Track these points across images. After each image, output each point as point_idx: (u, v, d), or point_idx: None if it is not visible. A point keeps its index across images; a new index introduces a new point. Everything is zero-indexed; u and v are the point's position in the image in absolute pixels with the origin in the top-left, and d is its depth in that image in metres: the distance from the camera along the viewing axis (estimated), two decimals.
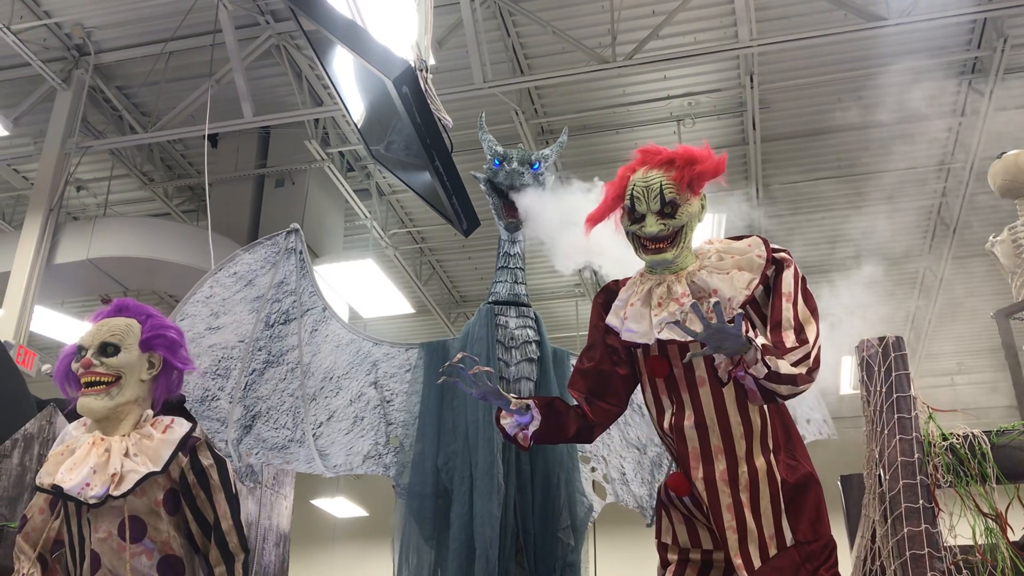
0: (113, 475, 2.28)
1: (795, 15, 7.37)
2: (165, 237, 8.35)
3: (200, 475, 2.36)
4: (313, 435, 3.38)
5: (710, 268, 2.32)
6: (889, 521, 2.40)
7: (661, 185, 2.32)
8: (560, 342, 4.21)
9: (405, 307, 10.12)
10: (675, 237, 2.33)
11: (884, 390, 2.52)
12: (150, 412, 2.46)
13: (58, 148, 8.09)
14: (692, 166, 2.33)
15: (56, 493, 2.30)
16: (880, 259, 9.34)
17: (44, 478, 2.33)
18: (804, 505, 2.19)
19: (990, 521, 2.41)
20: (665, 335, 2.27)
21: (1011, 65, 7.59)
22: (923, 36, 7.26)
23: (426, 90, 3.26)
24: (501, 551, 3.07)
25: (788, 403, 2.29)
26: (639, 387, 2.47)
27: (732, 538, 2.17)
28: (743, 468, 2.21)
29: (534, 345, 3.31)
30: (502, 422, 2.41)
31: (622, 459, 3.69)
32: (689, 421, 2.26)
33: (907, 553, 2.33)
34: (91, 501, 2.26)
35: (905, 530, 2.35)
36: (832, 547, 2.20)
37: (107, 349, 2.41)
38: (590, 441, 2.58)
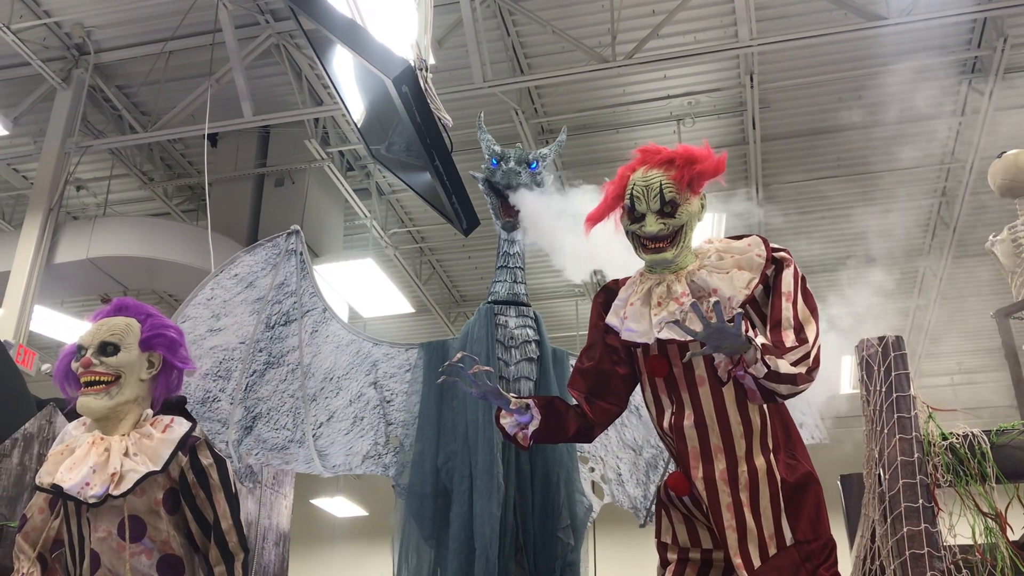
0: (113, 474, 2.28)
1: (795, 14, 7.37)
2: (165, 237, 8.35)
3: (200, 474, 2.36)
4: (313, 435, 3.39)
5: (710, 267, 2.32)
6: (889, 520, 2.40)
7: (661, 184, 2.32)
8: (560, 341, 4.21)
9: (405, 307, 10.12)
10: (675, 236, 2.33)
11: (884, 389, 2.52)
12: (150, 412, 2.46)
13: (58, 147, 8.09)
14: (692, 165, 2.33)
15: (56, 492, 2.30)
16: (880, 258, 9.34)
17: (44, 477, 2.33)
18: (804, 504, 2.19)
19: (990, 520, 2.41)
20: (665, 334, 2.27)
21: (1011, 65, 7.59)
22: (923, 36, 7.26)
23: (426, 89, 3.27)
24: (501, 550, 3.07)
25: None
26: (638, 387, 2.47)
27: (732, 537, 2.17)
28: (743, 467, 2.21)
29: (534, 344, 3.31)
30: (502, 421, 2.41)
31: (618, 460, 3.70)
32: (689, 420, 2.26)
33: (907, 552, 2.33)
34: (91, 500, 2.26)
35: (905, 529, 2.35)
36: (832, 546, 2.20)
37: (107, 348, 2.41)
38: (590, 440, 2.58)
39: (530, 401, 2.39)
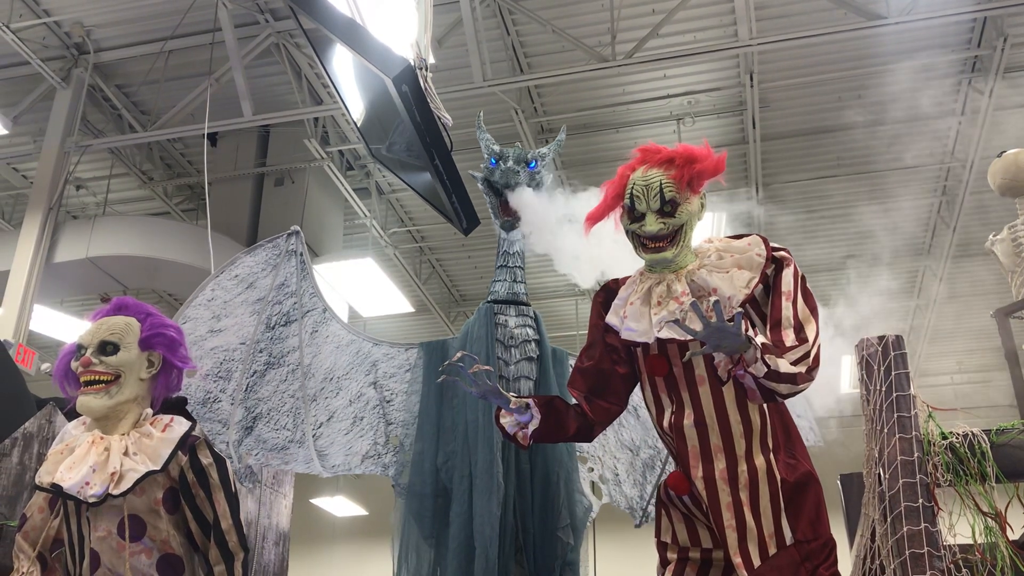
0: (112, 474, 2.28)
1: (795, 14, 7.36)
2: (165, 236, 8.35)
3: (199, 474, 2.36)
4: (313, 436, 3.39)
5: (710, 267, 2.32)
6: (889, 520, 2.40)
7: (661, 184, 2.32)
8: (560, 341, 4.21)
9: (405, 306, 10.12)
10: (675, 236, 2.33)
11: (884, 389, 2.51)
12: (149, 411, 2.45)
13: (57, 147, 8.09)
14: (692, 165, 2.33)
15: (55, 492, 2.30)
16: (880, 258, 9.34)
17: (43, 477, 2.33)
18: (804, 504, 2.19)
19: (989, 520, 2.41)
20: (665, 334, 2.27)
21: (1011, 64, 7.58)
22: (923, 35, 7.26)
23: (426, 89, 3.26)
24: (500, 550, 3.07)
25: None
26: (637, 387, 2.47)
27: (732, 537, 2.17)
28: (743, 467, 2.21)
29: (533, 344, 3.31)
30: (501, 421, 2.41)
31: (616, 460, 3.71)
32: (689, 420, 2.26)
33: (906, 552, 2.33)
34: (90, 500, 2.26)
35: (904, 529, 2.35)
36: (832, 546, 2.20)
37: (106, 348, 2.41)
38: (590, 440, 2.57)
39: (530, 400, 2.39)
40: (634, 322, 2.33)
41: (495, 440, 3.12)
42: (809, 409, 3.69)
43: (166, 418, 2.43)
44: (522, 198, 3.30)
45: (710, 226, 6.23)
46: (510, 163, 3.33)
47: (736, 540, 2.16)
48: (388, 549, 3.39)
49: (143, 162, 9.47)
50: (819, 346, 2.21)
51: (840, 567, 2.22)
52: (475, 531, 3.07)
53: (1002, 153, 4.88)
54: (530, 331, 3.32)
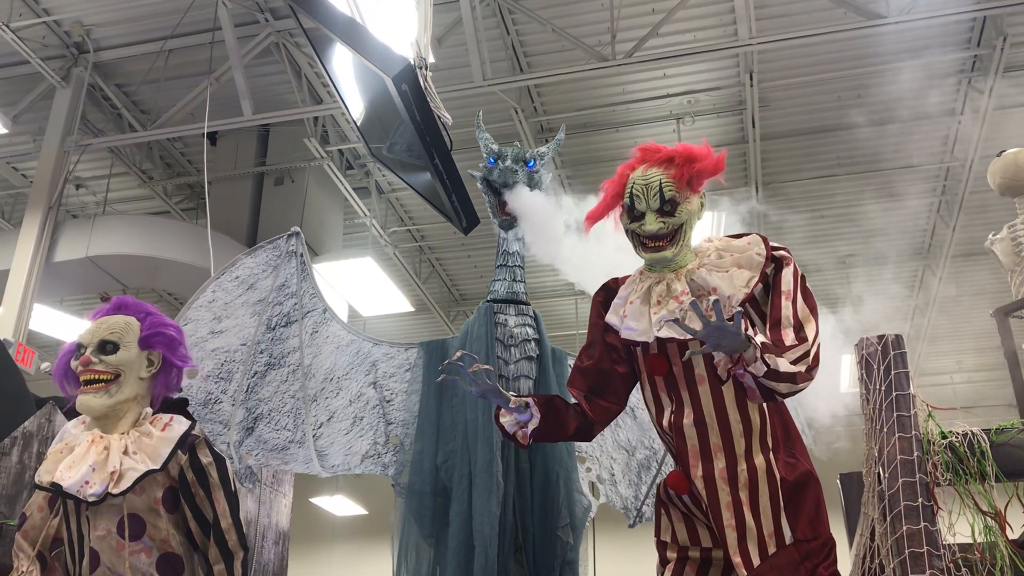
0: (112, 473, 2.28)
1: (795, 13, 7.36)
2: (164, 235, 8.35)
3: (199, 473, 2.36)
4: (313, 436, 3.40)
5: (709, 266, 2.32)
6: (888, 519, 2.40)
7: (660, 183, 2.32)
8: (559, 340, 4.21)
9: (404, 305, 10.11)
10: (674, 235, 2.34)
11: (883, 388, 2.51)
12: (149, 410, 2.45)
13: (57, 146, 8.09)
14: (691, 164, 2.33)
15: (55, 491, 2.30)
16: (879, 257, 9.35)
17: (43, 476, 2.33)
18: (803, 503, 2.19)
19: (989, 519, 2.41)
20: (664, 333, 2.27)
21: (1011, 63, 7.58)
22: (923, 34, 7.26)
23: (426, 88, 3.26)
24: (500, 549, 3.07)
25: None
26: (636, 388, 2.47)
27: (731, 536, 2.17)
28: (742, 466, 2.21)
29: (533, 343, 3.31)
30: (501, 420, 2.41)
31: (612, 460, 3.71)
32: (688, 419, 2.26)
33: (906, 551, 2.33)
34: (90, 499, 2.26)
35: (904, 528, 2.35)
36: (831, 545, 2.20)
37: (106, 347, 2.41)
38: (589, 439, 2.57)
39: (530, 400, 2.39)
40: (634, 321, 2.33)
41: (495, 439, 3.12)
42: (800, 411, 3.70)
43: (166, 417, 2.43)
44: (520, 197, 3.30)
45: (710, 225, 6.24)
46: (508, 162, 3.33)
47: (736, 539, 2.16)
48: (388, 548, 3.39)
49: (143, 161, 9.47)
50: (819, 345, 2.21)
51: (840, 566, 2.22)
52: (474, 530, 3.07)
53: (1002, 152, 4.87)
54: (530, 330, 3.32)
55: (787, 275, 2.29)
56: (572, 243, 3.08)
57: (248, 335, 3.32)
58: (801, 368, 2.13)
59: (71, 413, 2.48)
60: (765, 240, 2.34)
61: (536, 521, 3.21)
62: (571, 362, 3.36)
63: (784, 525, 2.16)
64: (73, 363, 2.42)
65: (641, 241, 2.36)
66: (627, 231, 2.40)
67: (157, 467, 2.31)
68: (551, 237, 3.16)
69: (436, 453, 3.29)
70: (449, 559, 3.12)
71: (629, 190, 2.35)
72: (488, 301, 3.37)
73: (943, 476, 2.42)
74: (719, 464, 2.23)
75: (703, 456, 2.24)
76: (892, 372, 2.52)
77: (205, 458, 2.38)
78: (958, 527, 2.42)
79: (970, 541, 2.41)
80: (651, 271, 2.39)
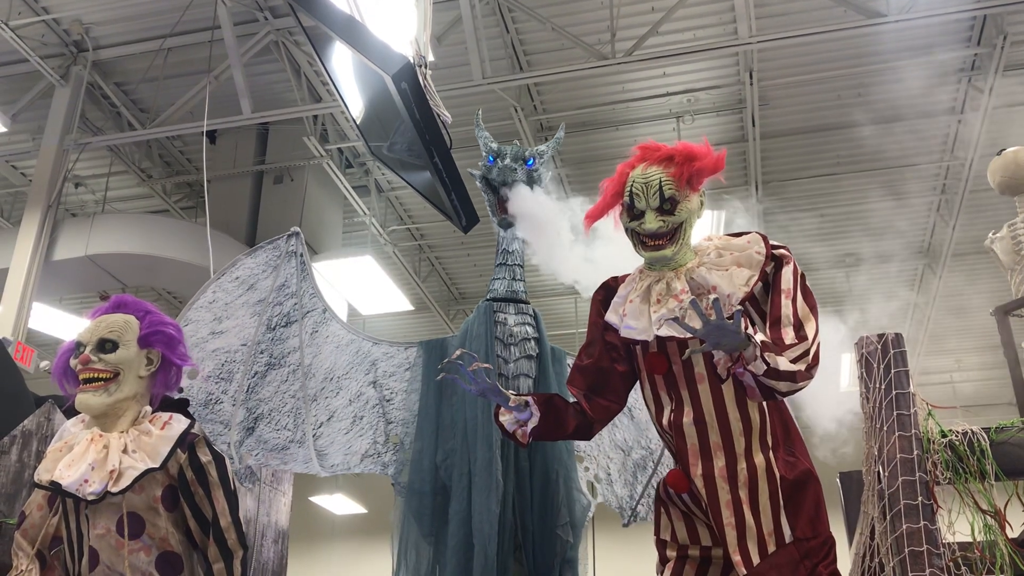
0: (111, 471, 2.27)
1: (795, 11, 7.36)
2: (164, 234, 8.34)
3: (198, 471, 2.36)
4: (313, 435, 3.40)
5: (709, 265, 2.32)
6: (888, 518, 2.40)
7: (660, 181, 2.32)
8: (559, 339, 4.21)
9: (404, 304, 10.11)
10: (674, 234, 2.33)
11: (883, 387, 2.51)
12: (148, 408, 2.45)
13: (56, 144, 8.08)
14: (691, 162, 2.33)
15: (54, 490, 2.30)
16: (879, 256, 9.35)
17: (42, 474, 2.33)
18: (803, 502, 2.19)
19: (989, 518, 2.41)
20: (664, 332, 2.26)
21: (1011, 62, 7.58)
22: (923, 33, 7.25)
23: (425, 86, 3.26)
24: (499, 548, 3.07)
25: None
26: (634, 388, 2.47)
27: (731, 535, 2.17)
28: (742, 465, 2.21)
29: (533, 342, 3.31)
30: (501, 419, 2.41)
31: (609, 460, 3.72)
32: (688, 418, 2.26)
33: (906, 550, 2.32)
34: (89, 497, 2.26)
35: (904, 527, 2.35)
36: (831, 544, 2.20)
37: (105, 345, 2.41)
38: (589, 438, 2.57)
39: (529, 398, 2.39)
40: (633, 320, 2.33)
41: (494, 438, 3.12)
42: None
43: (165, 416, 2.43)
44: (519, 196, 3.29)
45: (709, 224, 6.24)
46: (507, 161, 3.32)
47: (735, 538, 2.16)
48: (387, 547, 3.39)
49: (142, 160, 9.46)
50: (818, 344, 2.21)
51: (839, 565, 2.22)
52: (474, 529, 3.07)
53: (1002, 151, 4.87)
54: (529, 329, 3.32)
55: (787, 274, 2.29)
56: (572, 242, 3.08)
57: (248, 335, 3.33)
58: (801, 367, 2.13)
59: (70, 411, 2.48)
60: (765, 239, 2.34)
61: (536, 520, 3.21)
62: (570, 361, 3.36)
63: (784, 524, 2.16)
64: (72, 361, 2.41)
65: (641, 240, 2.36)
66: (627, 229, 2.39)
67: (156, 466, 2.31)
68: (550, 235, 3.16)
69: (436, 452, 3.28)
70: (448, 557, 3.12)
71: (629, 188, 2.35)
72: (488, 300, 3.36)
73: (943, 475, 2.42)
74: (719, 463, 2.22)
75: (703, 455, 2.24)
76: (892, 371, 2.52)
77: (204, 457, 2.38)
78: (958, 526, 2.42)
79: (970, 540, 2.41)
80: (651, 270, 2.39)
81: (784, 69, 7.94)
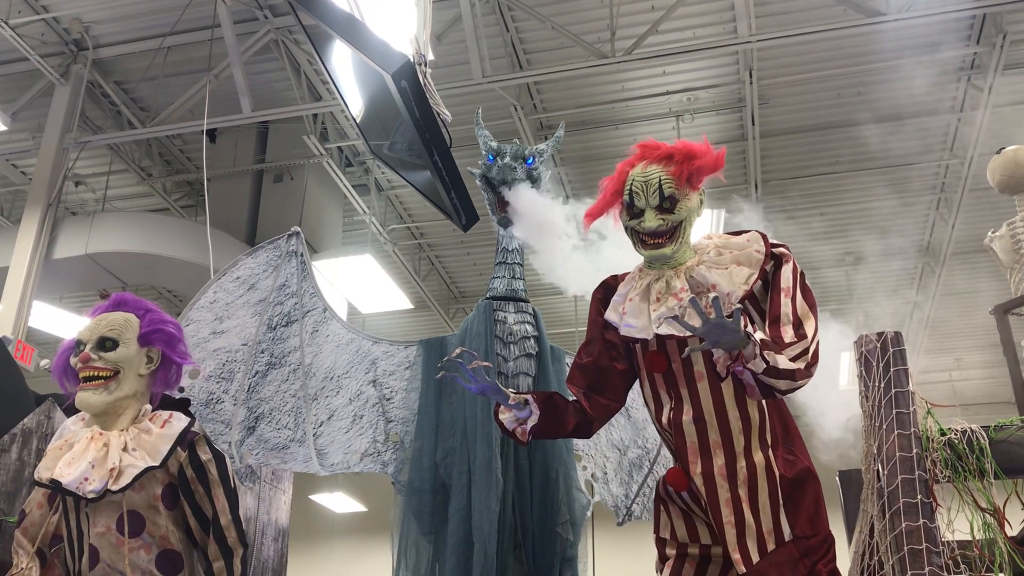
0: (112, 470, 2.28)
1: (794, 10, 7.36)
2: (164, 232, 8.34)
3: (199, 470, 2.36)
4: (313, 434, 3.40)
5: (709, 263, 2.32)
6: (887, 516, 2.41)
7: (660, 180, 2.32)
8: (558, 338, 4.22)
9: (404, 303, 10.11)
10: (674, 232, 2.33)
11: (882, 385, 2.51)
12: (148, 407, 2.45)
13: (56, 143, 8.08)
14: (691, 161, 2.33)
15: (54, 488, 2.30)
16: (878, 255, 9.35)
17: (42, 473, 2.33)
18: (802, 500, 2.19)
19: (988, 516, 2.41)
20: (664, 330, 2.27)
21: (1010, 61, 7.58)
22: (922, 32, 7.25)
23: (425, 85, 3.26)
24: (499, 546, 3.07)
25: None
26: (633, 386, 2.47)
27: (730, 533, 2.17)
28: (741, 463, 2.21)
29: (532, 341, 3.31)
30: (500, 417, 2.41)
31: (605, 459, 3.73)
32: (687, 416, 2.26)
33: (905, 548, 2.33)
34: (89, 496, 2.26)
35: (903, 525, 2.35)
36: (830, 542, 2.20)
37: (105, 344, 2.41)
38: (588, 436, 2.57)
39: (529, 396, 2.39)
40: (633, 318, 2.33)
41: (494, 436, 3.12)
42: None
43: (165, 414, 2.43)
44: (517, 195, 3.29)
45: (709, 223, 6.24)
46: (507, 159, 3.32)
47: (735, 536, 2.16)
48: (387, 545, 3.39)
49: (142, 158, 9.46)
50: (818, 342, 2.21)
51: (839, 563, 2.22)
52: (474, 527, 3.07)
53: (1001, 150, 4.87)
54: (529, 327, 3.32)
55: (786, 272, 2.29)
56: (572, 242, 3.08)
57: (249, 335, 3.34)
58: (800, 365, 2.13)
59: (70, 410, 2.48)
60: (765, 237, 2.34)
61: (535, 518, 3.21)
62: (570, 360, 3.36)
63: (783, 522, 2.16)
64: (72, 360, 2.42)
65: (640, 238, 2.36)
66: (626, 228, 2.39)
67: (156, 464, 2.31)
68: (550, 235, 3.16)
69: (435, 450, 3.29)
70: (448, 556, 3.12)
71: (628, 187, 2.35)
72: (487, 298, 3.37)
73: (942, 473, 2.42)
74: (718, 461, 2.23)
75: (702, 453, 2.24)
76: (891, 369, 2.52)
77: (204, 455, 2.38)
78: (957, 524, 2.42)
79: (969, 538, 2.42)
80: (650, 268, 2.39)
81: (784, 68, 7.94)
